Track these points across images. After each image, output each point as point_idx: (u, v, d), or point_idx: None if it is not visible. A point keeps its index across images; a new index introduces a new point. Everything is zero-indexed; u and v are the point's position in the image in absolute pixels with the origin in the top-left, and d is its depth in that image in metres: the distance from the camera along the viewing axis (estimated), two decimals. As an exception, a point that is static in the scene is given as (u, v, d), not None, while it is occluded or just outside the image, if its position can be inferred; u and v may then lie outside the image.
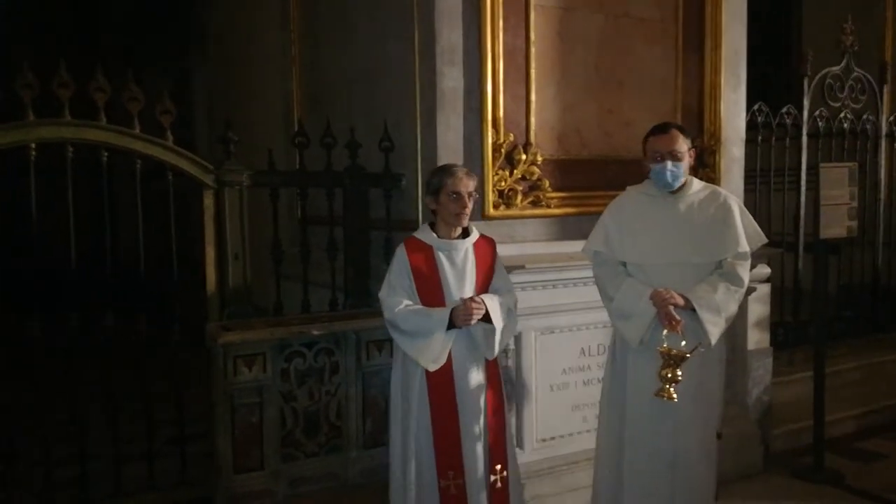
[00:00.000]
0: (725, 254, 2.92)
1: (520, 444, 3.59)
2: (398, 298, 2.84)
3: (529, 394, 3.59)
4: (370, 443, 3.54)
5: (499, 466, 2.94)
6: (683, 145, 2.90)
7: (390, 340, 3.07)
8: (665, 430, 2.89)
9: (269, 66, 5.69)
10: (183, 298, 3.49)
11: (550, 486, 3.60)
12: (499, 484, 2.94)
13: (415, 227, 3.10)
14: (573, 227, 3.74)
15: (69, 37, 8.11)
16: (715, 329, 2.83)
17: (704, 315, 2.81)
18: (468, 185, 2.84)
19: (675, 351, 2.73)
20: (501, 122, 3.56)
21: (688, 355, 2.73)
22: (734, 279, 2.89)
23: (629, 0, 3.89)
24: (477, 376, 2.89)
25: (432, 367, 2.80)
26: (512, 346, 3.55)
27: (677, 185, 2.93)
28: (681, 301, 2.80)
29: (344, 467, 3.52)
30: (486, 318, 2.82)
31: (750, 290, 3.88)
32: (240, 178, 3.45)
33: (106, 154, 3.26)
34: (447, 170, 2.89)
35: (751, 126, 4.71)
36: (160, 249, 3.41)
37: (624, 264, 3.00)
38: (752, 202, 4.76)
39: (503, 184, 3.60)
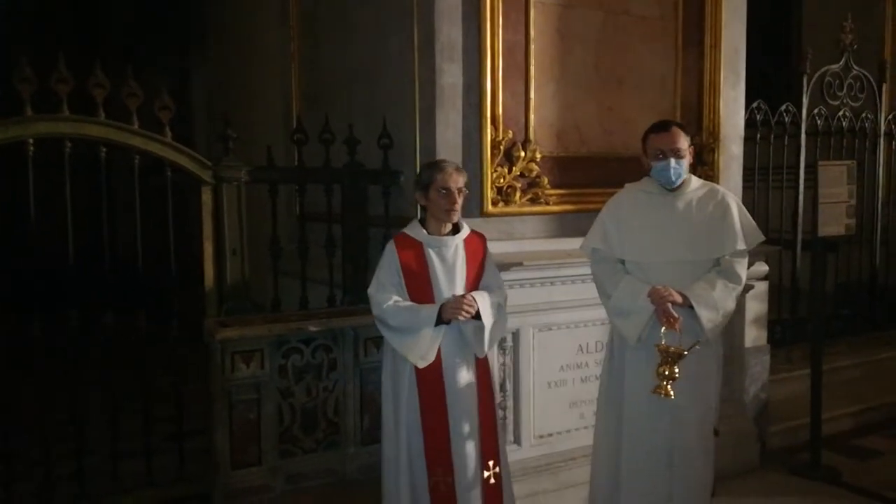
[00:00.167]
0: (723, 251, 2.92)
1: (517, 441, 3.60)
2: (387, 294, 2.83)
3: (527, 390, 3.59)
4: (368, 439, 3.55)
5: (491, 462, 2.94)
6: (685, 142, 2.91)
7: (387, 337, 3.07)
8: (662, 427, 2.90)
9: (268, 64, 5.69)
10: (181, 294, 3.49)
11: (548, 483, 3.61)
12: (492, 480, 2.93)
13: (414, 225, 3.09)
14: (572, 225, 3.74)
15: (69, 37, 8.09)
16: (713, 326, 2.84)
17: (702, 312, 2.81)
18: (458, 180, 2.83)
19: (672, 348, 2.73)
20: (500, 118, 3.56)
21: (685, 353, 2.73)
22: (732, 276, 2.90)
23: (629, -3, 3.90)
24: (467, 374, 2.88)
25: (421, 364, 2.80)
26: (510, 343, 3.55)
27: (680, 182, 2.94)
28: (679, 298, 2.80)
29: (342, 463, 3.52)
30: (477, 316, 2.81)
31: (747, 288, 3.90)
32: (238, 175, 3.45)
33: (104, 150, 3.25)
34: (436, 165, 2.89)
35: (750, 124, 4.71)
36: (158, 245, 3.40)
37: (622, 262, 3.00)
38: (751, 200, 4.77)
39: (502, 181, 3.60)
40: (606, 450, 3.08)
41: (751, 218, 3.02)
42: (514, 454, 3.54)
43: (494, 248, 3.45)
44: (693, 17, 4.08)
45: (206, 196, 3.44)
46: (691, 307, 2.82)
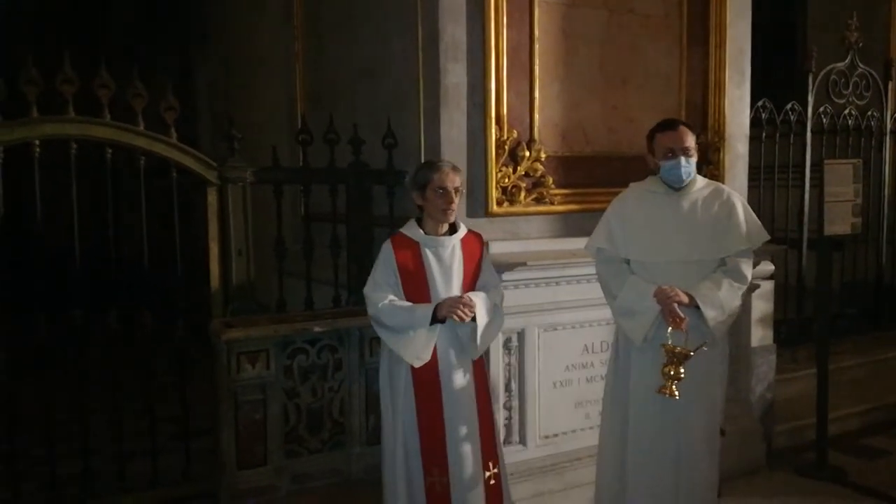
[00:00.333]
0: (729, 251, 2.92)
1: (523, 441, 3.59)
2: (382, 294, 2.82)
3: (533, 391, 3.59)
4: (373, 439, 3.54)
5: (491, 463, 2.93)
6: (692, 140, 2.90)
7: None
8: (668, 428, 2.89)
9: (272, 64, 5.69)
10: (186, 295, 3.49)
11: (554, 483, 3.60)
12: (492, 481, 2.93)
13: (419, 225, 3.09)
14: (576, 224, 3.74)
15: (70, 37, 8.10)
16: (718, 326, 2.84)
17: (708, 312, 2.81)
18: (454, 179, 2.83)
19: (678, 348, 2.72)
20: (505, 118, 3.55)
21: (691, 353, 2.72)
22: (737, 276, 2.89)
23: (633, -4, 3.89)
24: (464, 375, 2.87)
25: (416, 364, 2.79)
26: (515, 343, 3.55)
27: (689, 180, 2.93)
28: (685, 298, 2.80)
29: (347, 463, 3.53)
30: (474, 319, 2.80)
31: (753, 287, 3.89)
32: (243, 175, 3.45)
33: (110, 151, 3.26)
34: (433, 165, 2.88)
35: (755, 123, 4.70)
36: (164, 246, 3.41)
37: (627, 261, 3.00)
38: (756, 199, 4.76)
39: (506, 180, 3.60)
40: (612, 450, 3.08)
41: (756, 217, 3.01)
42: (519, 454, 3.54)
43: (499, 248, 3.46)
44: (698, 15, 4.07)
45: (212, 197, 3.44)
46: (697, 307, 2.81)
